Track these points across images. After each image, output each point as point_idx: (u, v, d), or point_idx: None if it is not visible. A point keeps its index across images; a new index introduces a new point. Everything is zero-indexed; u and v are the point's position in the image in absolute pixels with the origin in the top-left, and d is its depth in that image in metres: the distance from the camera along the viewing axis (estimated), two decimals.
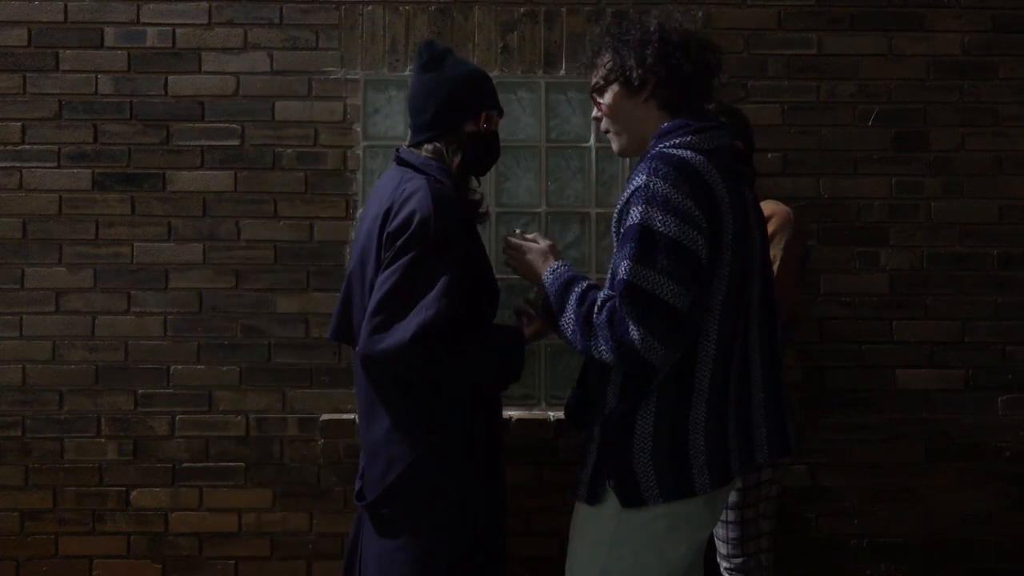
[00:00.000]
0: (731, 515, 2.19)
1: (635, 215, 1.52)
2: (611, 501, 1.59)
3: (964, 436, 2.66)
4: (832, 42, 2.67)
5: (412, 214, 1.78)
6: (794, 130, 2.67)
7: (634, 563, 1.60)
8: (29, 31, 2.64)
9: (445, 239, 1.77)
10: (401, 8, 2.67)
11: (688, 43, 1.66)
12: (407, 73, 2.67)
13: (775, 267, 2.15)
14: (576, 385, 1.75)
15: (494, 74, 2.67)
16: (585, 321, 1.58)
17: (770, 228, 2.19)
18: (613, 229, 1.62)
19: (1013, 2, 2.68)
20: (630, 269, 1.50)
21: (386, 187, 1.91)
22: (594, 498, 1.61)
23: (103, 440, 2.63)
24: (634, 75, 1.64)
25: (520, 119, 2.73)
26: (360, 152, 2.68)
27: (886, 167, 2.68)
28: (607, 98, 1.71)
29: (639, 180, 1.54)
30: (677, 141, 1.59)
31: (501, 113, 2.00)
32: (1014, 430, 2.66)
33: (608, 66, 1.69)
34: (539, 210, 2.73)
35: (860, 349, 2.67)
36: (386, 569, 1.84)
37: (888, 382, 2.67)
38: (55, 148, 2.64)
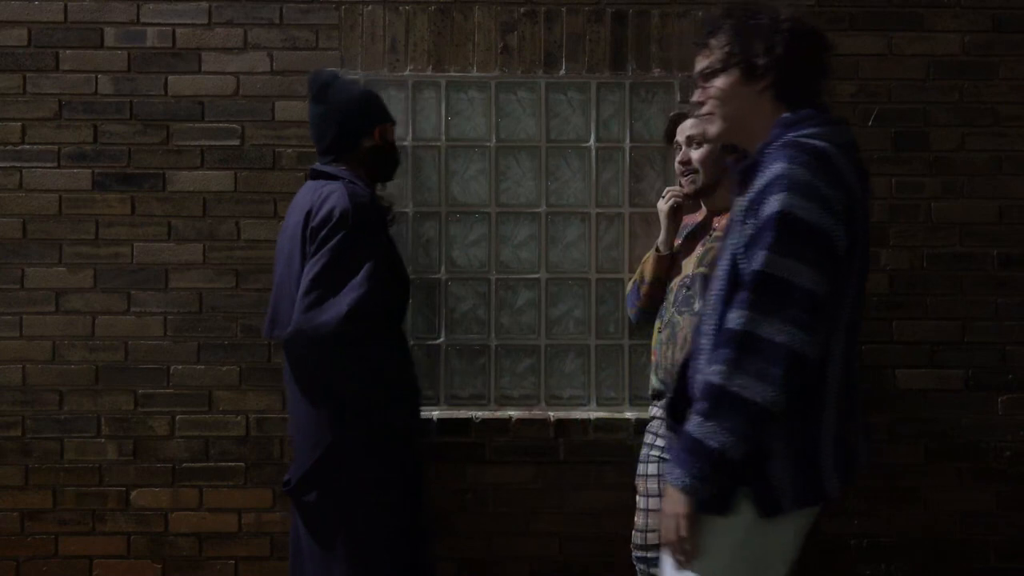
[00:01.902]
0: None
1: (774, 204, 1.44)
2: (744, 511, 1.49)
3: (964, 436, 2.66)
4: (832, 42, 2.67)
5: (332, 209, 1.99)
6: None
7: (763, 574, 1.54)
8: (29, 31, 2.64)
9: (365, 229, 1.98)
10: (401, 8, 2.67)
11: (817, 39, 1.60)
12: (407, 73, 2.67)
13: None
14: (678, 388, 1.65)
15: (494, 74, 2.68)
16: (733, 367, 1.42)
17: None
18: (738, 219, 1.53)
19: (1013, 2, 2.68)
20: (767, 259, 1.42)
21: (304, 197, 2.12)
22: (725, 508, 1.49)
23: (103, 440, 2.63)
24: (759, 63, 1.56)
25: (520, 119, 2.73)
26: None
27: (886, 167, 2.68)
28: (720, 82, 1.60)
29: (777, 168, 1.46)
30: (810, 131, 1.52)
31: (393, 122, 2.24)
32: (1014, 430, 2.66)
33: (727, 50, 1.59)
34: (539, 210, 2.73)
35: (860, 349, 2.67)
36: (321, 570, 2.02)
37: (888, 382, 2.67)
38: (55, 148, 2.64)
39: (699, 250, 2.30)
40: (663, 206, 2.40)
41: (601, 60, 2.68)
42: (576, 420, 2.64)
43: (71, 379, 2.63)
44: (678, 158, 2.34)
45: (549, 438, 2.63)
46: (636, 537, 2.33)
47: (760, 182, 1.49)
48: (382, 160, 2.23)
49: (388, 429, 2.06)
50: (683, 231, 2.42)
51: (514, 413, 2.66)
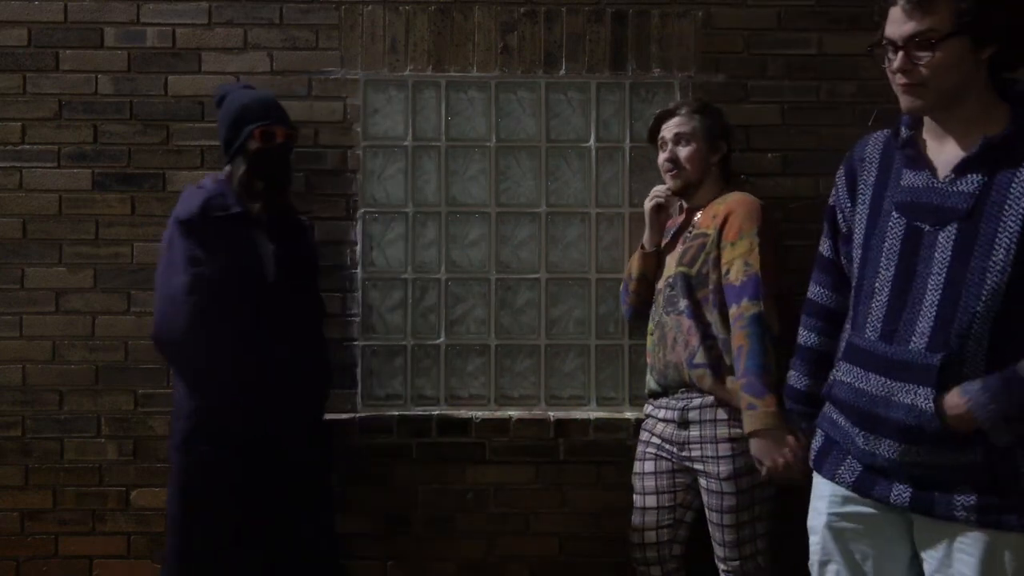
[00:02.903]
0: (727, 518, 2.18)
1: None
2: None
3: None
4: (832, 42, 2.67)
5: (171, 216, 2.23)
6: (794, 130, 2.67)
7: None
8: (29, 31, 2.64)
9: (180, 235, 2.15)
10: (401, 8, 2.67)
11: None
12: (407, 73, 2.67)
13: (752, 257, 2.13)
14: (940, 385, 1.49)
15: (494, 74, 2.68)
16: None
17: (736, 221, 2.17)
18: (1001, 201, 1.42)
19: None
20: None
21: None
22: None
23: (103, 440, 2.63)
24: (991, 28, 1.43)
25: (520, 119, 2.73)
26: (360, 152, 2.68)
27: None
28: (944, 47, 1.44)
29: None
30: None
31: (284, 125, 2.30)
32: None
33: (960, 12, 1.43)
34: (539, 210, 2.73)
35: None
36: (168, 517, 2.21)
37: None
38: (55, 148, 2.64)
39: (679, 248, 2.31)
40: (647, 204, 2.45)
41: (601, 60, 2.68)
42: (576, 420, 2.64)
43: (71, 379, 2.63)
44: (664, 156, 2.35)
45: (549, 438, 2.63)
46: (634, 536, 2.34)
47: None
48: (263, 159, 2.26)
49: (208, 435, 2.15)
50: (669, 232, 2.45)
51: (514, 413, 2.66)
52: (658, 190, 2.43)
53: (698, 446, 2.21)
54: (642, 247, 2.47)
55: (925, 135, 1.58)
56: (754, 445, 2.06)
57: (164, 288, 2.14)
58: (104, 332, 2.63)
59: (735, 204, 2.22)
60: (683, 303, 2.24)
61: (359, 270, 2.68)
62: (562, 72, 2.69)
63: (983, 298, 1.43)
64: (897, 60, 1.48)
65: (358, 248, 2.68)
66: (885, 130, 1.69)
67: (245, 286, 2.20)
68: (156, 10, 2.65)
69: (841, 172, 1.75)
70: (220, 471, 2.15)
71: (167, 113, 2.64)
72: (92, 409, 2.63)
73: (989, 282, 1.42)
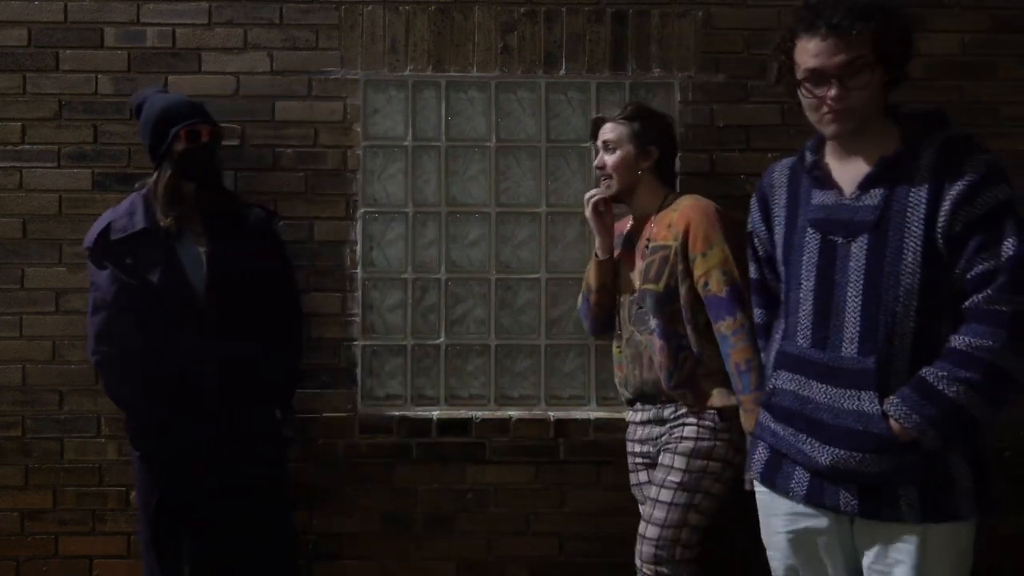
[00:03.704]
0: (663, 493, 2.16)
1: (1000, 193, 1.52)
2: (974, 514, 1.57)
3: None
4: None
5: None
6: (794, 130, 2.67)
7: None
8: (29, 31, 2.64)
9: (88, 261, 2.26)
10: (401, 8, 2.67)
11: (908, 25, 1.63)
12: (407, 73, 2.67)
13: (729, 265, 2.12)
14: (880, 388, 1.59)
15: (494, 74, 2.68)
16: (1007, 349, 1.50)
17: (700, 231, 2.16)
18: (949, 210, 1.54)
19: (1013, 2, 2.68)
20: (1019, 244, 1.50)
21: None
22: (988, 508, 1.58)
23: (103, 440, 2.63)
24: (901, 57, 1.62)
25: (520, 119, 2.73)
26: (360, 152, 2.68)
27: None
28: (866, 75, 1.57)
29: (984, 160, 1.54)
30: (957, 129, 1.63)
31: (195, 122, 2.28)
32: (1014, 430, 2.66)
33: (881, 39, 1.57)
34: (539, 210, 2.73)
35: None
36: None
37: None
38: (55, 148, 2.64)
39: (640, 264, 2.29)
40: (587, 212, 2.38)
41: (601, 60, 2.68)
42: (576, 420, 2.64)
43: (71, 379, 2.63)
44: (595, 162, 2.36)
45: (549, 438, 2.63)
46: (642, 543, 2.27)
47: (966, 179, 1.52)
48: (190, 158, 2.27)
49: (133, 442, 2.32)
50: (619, 238, 2.43)
51: (514, 413, 2.66)
52: (590, 194, 2.38)
53: (668, 432, 2.23)
54: (596, 255, 2.40)
55: (828, 158, 1.70)
56: None
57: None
58: None
59: (691, 212, 2.20)
60: (653, 322, 2.22)
61: (359, 270, 2.68)
62: (562, 72, 2.69)
63: (900, 299, 1.56)
64: (834, 88, 1.57)
65: (358, 248, 2.68)
66: (789, 158, 1.83)
67: (162, 298, 2.23)
68: (156, 10, 2.65)
69: (754, 200, 1.88)
70: (148, 475, 2.30)
71: None
72: (92, 409, 2.63)
73: (903, 284, 1.55)
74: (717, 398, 2.18)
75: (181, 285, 2.24)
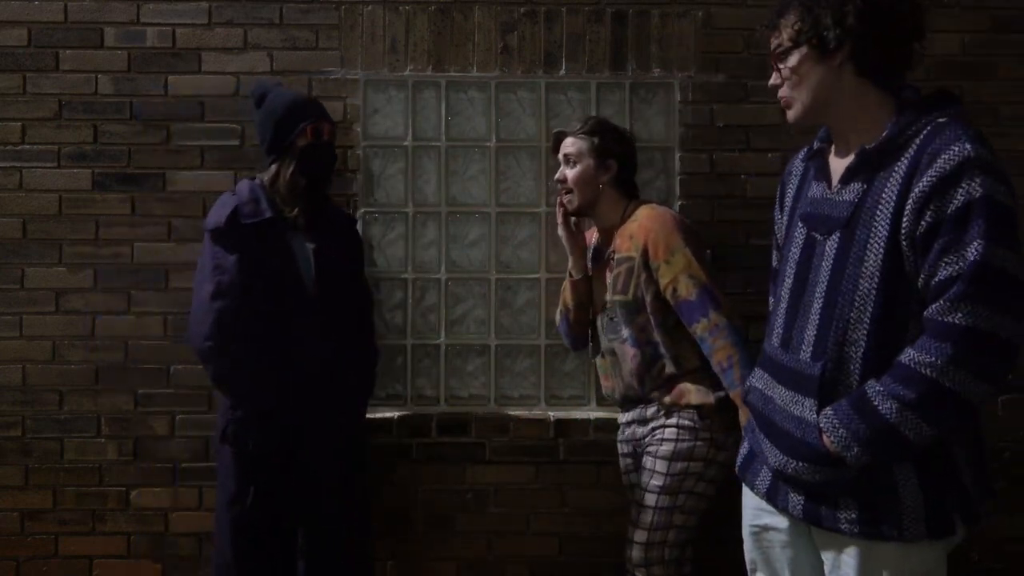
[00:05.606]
0: (648, 497, 2.19)
1: (976, 188, 1.33)
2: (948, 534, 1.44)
3: None
4: None
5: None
6: (794, 130, 2.67)
7: None
8: (29, 31, 2.64)
9: (209, 243, 2.19)
10: (401, 8, 2.67)
11: (893, 5, 1.47)
12: (407, 73, 2.67)
13: (694, 268, 2.14)
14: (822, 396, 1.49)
15: (494, 74, 2.68)
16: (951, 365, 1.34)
17: (659, 240, 2.18)
18: (914, 207, 1.38)
19: (1013, 2, 2.68)
20: (985, 249, 1.31)
21: None
22: (938, 531, 1.43)
23: (103, 440, 2.63)
24: (830, 36, 1.46)
25: (520, 119, 2.73)
26: (360, 152, 2.68)
27: None
28: (791, 61, 1.52)
29: (965, 149, 1.35)
30: (954, 112, 1.44)
31: (329, 122, 2.32)
32: (1014, 430, 2.66)
33: (796, 27, 1.50)
34: (539, 210, 2.73)
35: None
36: None
37: None
38: (55, 148, 2.64)
39: (609, 276, 2.31)
40: (559, 231, 2.42)
41: (601, 60, 2.68)
42: (576, 420, 2.64)
43: (71, 379, 2.63)
44: (556, 176, 2.37)
45: (549, 438, 2.63)
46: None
47: (937, 167, 1.36)
48: (314, 155, 2.27)
49: (235, 435, 2.21)
50: (590, 252, 2.46)
51: (514, 413, 2.66)
52: (557, 216, 2.42)
53: (650, 434, 2.25)
54: (570, 275, 2.44)
55: (833, 147, 1.62)
56: None
57: (195, 296, 2.20)
58: (104, 332, 2.63)
59: (647, 222, 2.22)
60: (625, 331, 2.27)
61: None
62: (562, 72, 2.69)
63: (856, 304, 1.44)
64: (771, 77, 1.58)
65: None
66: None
67: (280, 289, 2.22)
68: (156, 10, 2.65)
69: (779, 187, 1.82)
70: (243, 468, 2.20)
71: (167, 113, 2.64)
72: (92, 409, 2.63)
73: (861, 288, 1.44)
74: (695, 396, 2.20)
75: (296, 278, 2.24)
